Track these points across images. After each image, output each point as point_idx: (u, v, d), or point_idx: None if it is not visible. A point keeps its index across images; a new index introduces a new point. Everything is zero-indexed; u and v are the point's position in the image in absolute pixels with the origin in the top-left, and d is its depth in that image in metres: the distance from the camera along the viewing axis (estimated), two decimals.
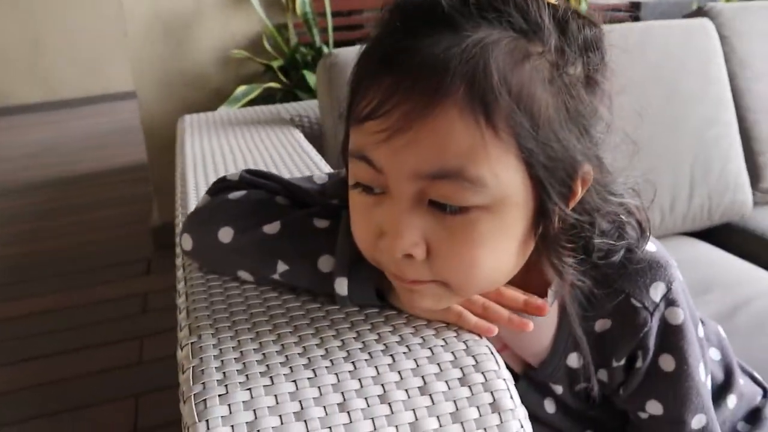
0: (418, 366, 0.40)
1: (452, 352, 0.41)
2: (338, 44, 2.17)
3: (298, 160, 0.86)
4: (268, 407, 0.37)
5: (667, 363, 0.51)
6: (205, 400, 0.37)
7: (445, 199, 0.40)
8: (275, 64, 2.00)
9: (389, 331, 0.44)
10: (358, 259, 0.46)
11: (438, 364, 0.40)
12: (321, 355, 0.41)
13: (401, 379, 0.39)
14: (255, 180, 0.54)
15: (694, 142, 1.27)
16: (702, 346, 0.52)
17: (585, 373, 0.52)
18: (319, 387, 0.38)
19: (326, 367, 0.40)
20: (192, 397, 0.37)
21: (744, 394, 0.64)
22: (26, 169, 3.48)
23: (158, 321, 1.84)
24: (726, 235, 1.34)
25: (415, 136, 0.38)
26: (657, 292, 0.49)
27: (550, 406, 0.56)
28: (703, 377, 0.52)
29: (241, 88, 1.75)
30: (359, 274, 0.46)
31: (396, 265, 0.42)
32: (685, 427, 0.52)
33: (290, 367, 0.40)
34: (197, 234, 0.52)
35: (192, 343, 0.43)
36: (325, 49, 2.04)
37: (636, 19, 2.36)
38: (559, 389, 0.55)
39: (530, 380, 0.54)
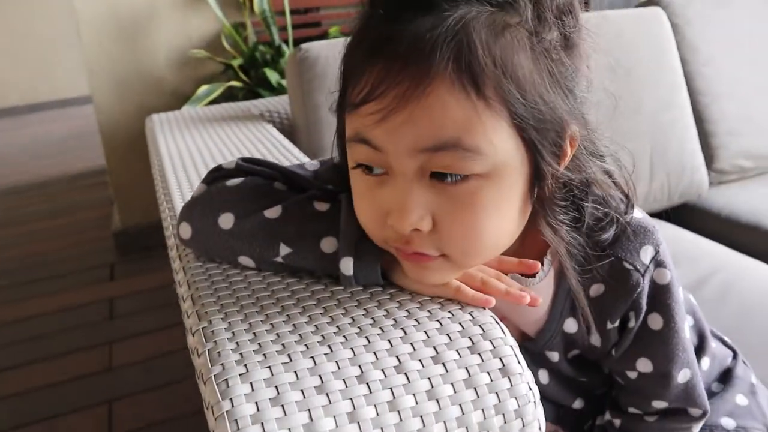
0: (428, 337, 0.42)
1: (459, 323, 0.43)
2: (297, 41, 2.17)
3: (277, 153, 0.87)
4: (290, 383, 0.38)
5: (655, 322, 0.54)
6: (226, 379, 0.38)
7: (446, 169, 0.42)
8: (235, 63, 1.99)
9: (396, 307, 0.45)
10: (361, 239, 0.47)
11: (447, 334, 0.42)
12: (334, 332, 0.42)
13: (414, 350, 0.41)
14: (251, 167, 0.54)
15: (651, 126, 1.32)
16: (683, 307, 0.56)
17: (581, 335, 0.55)
18: (336, 361, 0.39)
19: (341, 342, 0.41)
20: (212, 378, 0.38)
21: (716, 356, 0.68)
22: None
23: (126, 326, 1.81)
24: (685, 215, 1.40)
25: (410, 115, 0.40)
26: (647, 254, 0.52)
27: (544, 377, 0.59)
28: (688, 334, 0.55)
29: (204, 88, 1.74)
30: (364, 254, 0.47)
31: (403, 240, 0.44)
32: (672, 381, 0.55)
33: (306, 345, 0.41)
34: (196, 222, 0.52)
35: (203, 328, 0.43)
36: (284, 47, 2.04)
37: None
38: (555, 356, 0.57)
39: (526, 351, 0.56)
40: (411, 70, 0.40)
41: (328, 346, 0.41)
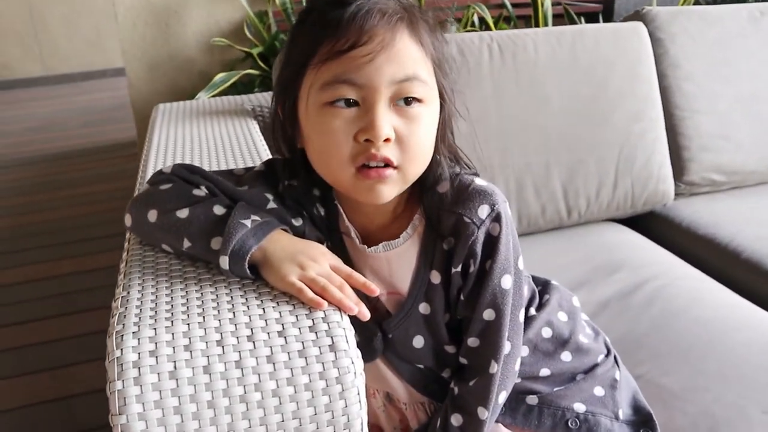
0: (281, 316, 0.55)
1: (309, 308, 0.56)
2: None
3: (245, 151, 1.01)
4: (166, 341, 0.51)
5: (488, 266, 0.67)
6: (122, 335, 0.52)
7: (408, 94, 0.60)
8: (255, 51, 2.12)
9: (261, 292, 0.58)
10: (239, 243, 0.59)
11: (296, 315, 0.55)
12: (213, 306, 0.56)
13: (266, 324, 0.54)
14: (183, 173, 0.68)
15: (619, 136, 1.39)
16: (515, 263, 0.69)
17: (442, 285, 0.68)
18: (204, 328, 0.53)
19: (213, 314, 0.54)
20: (113, 334, 0.52)
21: (585, 352, 0.78)
22: (24, 144, 3.62)
23: None
24: (649, 223, 1.48)
25: (388, 56, 0.58)
26: (483, 212, 0.66)
27: (419, 342, 0.71)
28: (507, 284, 0.68)
29: (220, 75, 1.88)
30: (237, 254, 0.59)
31: (375, 153, 0.60)
32: (480, 315, 0.68)
33: (188, 314, 0.54)
34: (134, 214, 0.67)
35: (122, 296, 0.58)
36: None
37: (609, 11, 2.48)
38: (426, 309, 0.70)
39: (406, 316, 0.70)
40: (383, 23, 0.59)
41: (203, 316, 0.54)
